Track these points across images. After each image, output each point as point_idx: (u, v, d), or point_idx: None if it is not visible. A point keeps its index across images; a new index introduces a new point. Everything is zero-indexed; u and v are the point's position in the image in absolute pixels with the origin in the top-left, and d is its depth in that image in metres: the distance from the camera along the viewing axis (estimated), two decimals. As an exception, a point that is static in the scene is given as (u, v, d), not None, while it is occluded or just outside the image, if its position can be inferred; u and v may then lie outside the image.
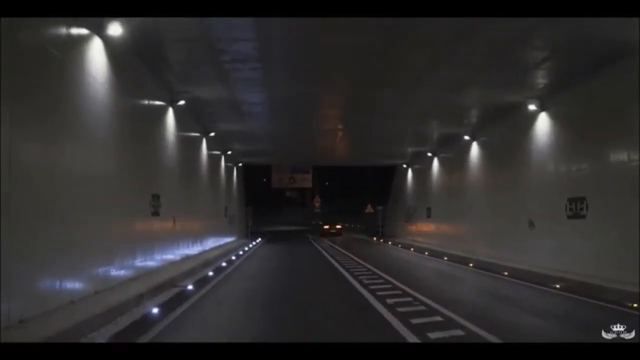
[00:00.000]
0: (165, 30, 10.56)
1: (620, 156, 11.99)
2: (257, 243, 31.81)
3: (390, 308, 9.48)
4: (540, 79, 14.03)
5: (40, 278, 7.60)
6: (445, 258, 20.48)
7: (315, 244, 32.19)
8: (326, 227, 46.69)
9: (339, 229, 46.48)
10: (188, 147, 18.50)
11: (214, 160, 24.66)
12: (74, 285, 8.63)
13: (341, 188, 62.30)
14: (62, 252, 8.12)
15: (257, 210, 42.33)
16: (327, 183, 63.27)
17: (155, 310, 8.99)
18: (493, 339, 7.23)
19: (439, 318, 8.70)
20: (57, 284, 8.12)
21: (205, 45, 11.43)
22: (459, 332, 7.64)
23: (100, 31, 9.51)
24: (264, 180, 47.55)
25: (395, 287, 12.38)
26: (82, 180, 8.93)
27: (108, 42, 9.81)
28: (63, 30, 8.37)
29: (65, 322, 7.04)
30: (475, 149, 21.67)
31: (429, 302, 10.17)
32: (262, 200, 47.75)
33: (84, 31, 9.11)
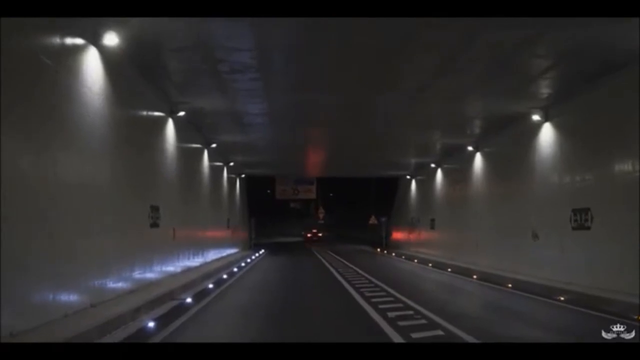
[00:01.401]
0: (162, 40, 10.47)
1: (625, 166, 11.80)
2: (259, 255, 31.65)
3: (391, 322, 9.27)
4: (544, 89, 13.90)
5: (33, 290, 7.44)
6: (449, 270, 20.30)
7: (319, 256, 31.96)
8: (309, 235, 57.07)
9: (319, 236, 56.92)
10: (189, 158, 18.42)
11: (215, 172, 24.58)
12: (68, 297, 8.49)
13: (345, 199, 62.14)
14: (57, 263, 7.98)
15: (260, 222, 42.22)
16: (331, 194, 63.06)
17: (151, 324, 8.81)
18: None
19: (440, 332, 8.49)
20: (51, 296, 7.98)
21: (204, 55, 11.36)
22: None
23: (95, 41, 9.43)
24: (268, 191, 47.42)
25: (397, 300, 12.18)
26: (76, 191, 8.81)
27: (104, 51, 9.73)
28: (57, 40, 8.30)
29: (58, 336, 6.88)
30: (479, 160, 21.53)
31: (431, 315, 9.98)
32: (265, 212, 47.58)
33: (79, 41, 9.03)
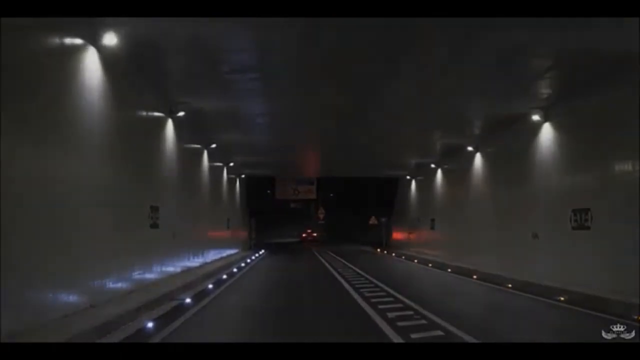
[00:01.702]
0: (162, 40, 10.45)
1: (625, 166, 11.79)
2: (259, 255, 31.64)
3: (391, 322, 9.27)
4: (544, 89, 13.88)
5: (32, 291, 7.44)
6: (449, 270, 20.29)
7: (319, 256, 31.95)
8: (304, 235, 60.16)
9: (314, 235, 59.98)
10: (189, 158, 18.42)
11: (215, 172, 24.57)
12: (68, 298, 8.51)
13: (346, 200, 62.14)
14: (56, 264, 7.99)
15: (260, 222, 42.19)
16: (331, 195, 63.05)
17: (150, 325, 8.81)
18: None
19: (440, 332, 8.48)
20: (51, 297, 7.99)
21: (203, 55, 11.35)
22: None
23: (95, 41, 9.44)
24: (268, 191, 47.39)
25: (397, 300, 12.17)
26: (76, 191, 8.82)
27: (103, 52, 9.73)
28: (57, 40, 8.32)
29: (57, 336, 6.88)
30: (478, 160, 21.51)
31: (430, 315, 9.97)
32: (265, 212, 47.55)
33: (78, 41, 9.04)
